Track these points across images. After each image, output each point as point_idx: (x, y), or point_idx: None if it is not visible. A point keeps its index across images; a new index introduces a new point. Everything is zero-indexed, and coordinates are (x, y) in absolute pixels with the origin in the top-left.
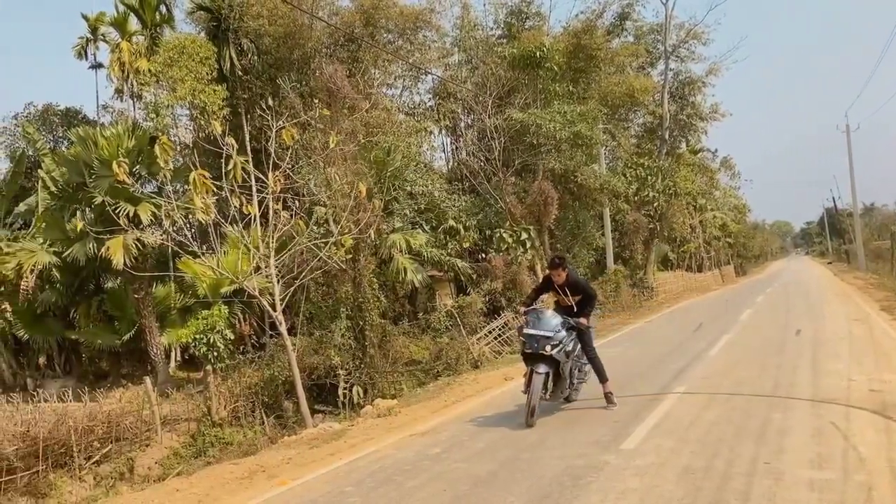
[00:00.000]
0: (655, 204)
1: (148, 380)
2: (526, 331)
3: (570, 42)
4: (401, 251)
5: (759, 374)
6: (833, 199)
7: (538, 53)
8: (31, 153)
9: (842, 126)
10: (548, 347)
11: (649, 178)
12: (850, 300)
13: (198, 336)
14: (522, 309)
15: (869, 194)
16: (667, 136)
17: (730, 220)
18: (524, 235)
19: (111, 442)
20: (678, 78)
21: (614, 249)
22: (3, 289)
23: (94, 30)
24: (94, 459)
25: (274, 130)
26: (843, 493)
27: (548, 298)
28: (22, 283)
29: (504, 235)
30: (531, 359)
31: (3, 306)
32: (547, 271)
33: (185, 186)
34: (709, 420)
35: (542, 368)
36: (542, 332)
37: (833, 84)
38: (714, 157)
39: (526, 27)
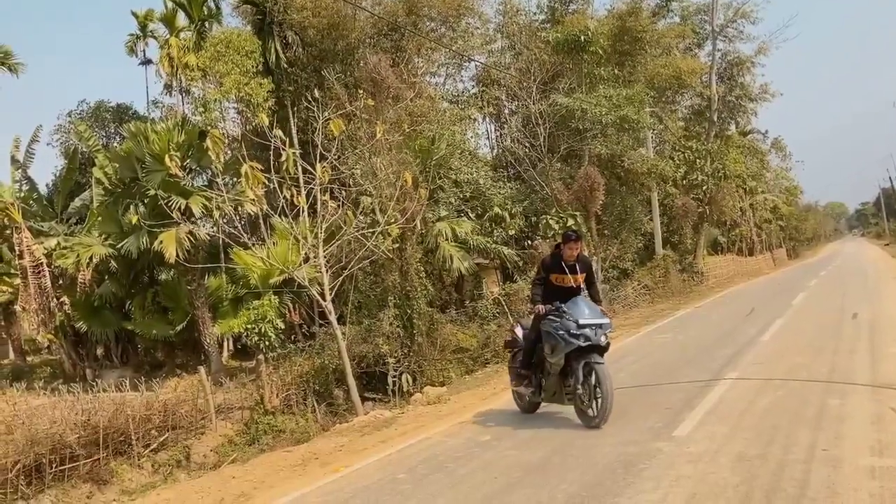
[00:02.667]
0: (704, 187)
1: (202, 369)
2: (583, 321)
3: (615, 25)
4: (447, 239)
5: (814, 359)
6: (890, 178)
7: (582, 37)
8: (84, 150)
9: None
10: (602, 338)
11: (698, 161)
12: None
13: (249, 326)
14: (542, 307)
15: None
16: (715, 118)
17: (781, 203)
18: (571, 222)
19: (168, 430)
20: (726, 58)
21: (663, 234)
22: (61, 282)
23: (143, 27)
24: (152, 447)
25: (320, 122)
26: None
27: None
28: (79, 276)
29: (550, 222)
30: (584, 352)
31: (62, 299)
32: (557, 247)
33: (235, 179)
34: (763, 406)
35: (600, 359)
36: (599, 321)
37: (889, 59)
38: (764, 138)
39: (569, 11)
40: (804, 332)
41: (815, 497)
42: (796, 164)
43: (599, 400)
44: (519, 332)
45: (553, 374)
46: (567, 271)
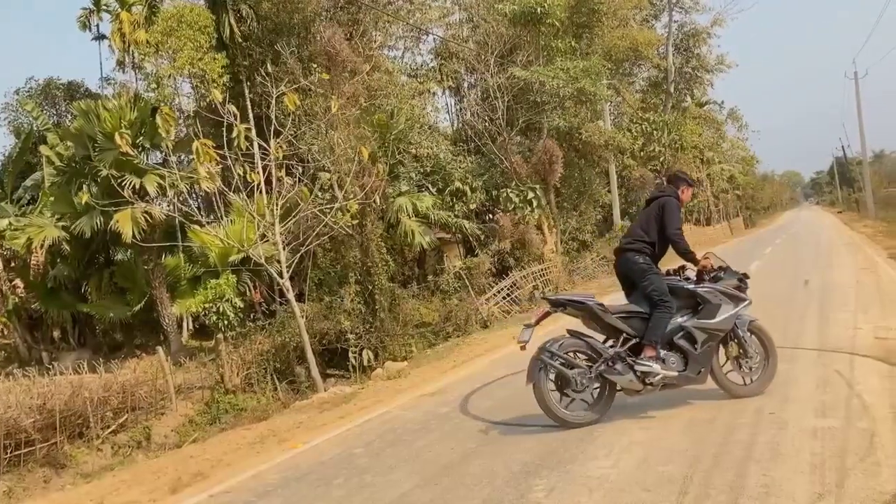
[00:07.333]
0: (662, 159)
1: (161, 350)
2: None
3: None
4: (408, 215)
5: (766, 326)
6: (843, 147)
7: (539, 9)
8: (35, 129)
9: (850, 73)
10: None
11: (655, 132)
12: (859, 249)
13: (207, 305)
14: (710, 260)
15: (879, 141)
16: (672, 90)
17: (738, 173)
18: (531, 195)
19: (127, 412)
20: (682, 30)
21: (621, 206)
22: (13, 264)
23: (96, 0)
24: (111, 429)
25: (274, 97)
26: (845, 440)
27: None
28: (32, 258)
29: (511, 195)
30: None
31: (14, 282)
32: (678, 190)
33: (190, 157)
34: None
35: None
36: None
37: (844, 30)
38: (721, 109)
39: None
40: (757, 300)
41: (760, 458)
42: (752, 135)
43: (767, 362)
44: (591, 304)
45: (708, 345)
46: None
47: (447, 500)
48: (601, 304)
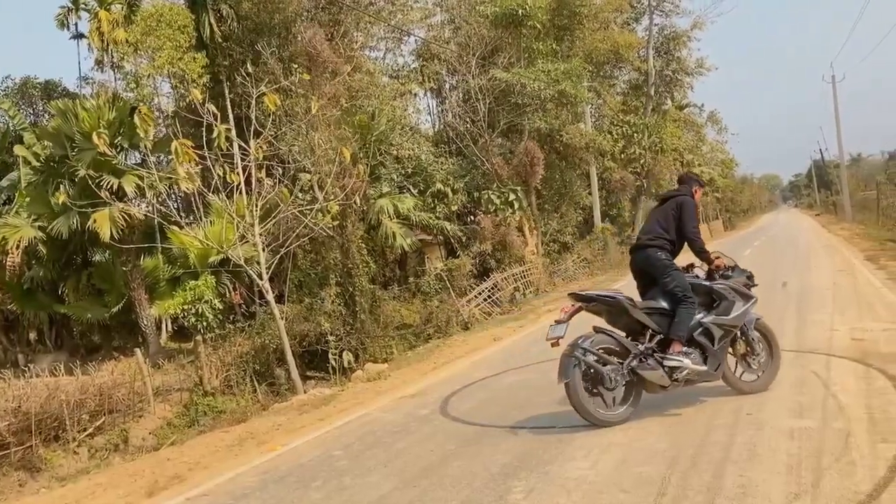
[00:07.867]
0: (642, 161)
1: (139, 351)
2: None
3: None
4: (389, 216)
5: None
6: (820, 150)
7: (520, 11)
8: (11, 128)
9: (827, 77)
10: None
11: (635, 135)
12: (837, 251)
13: (186, 306)
14: (725, 260)
15: (856, 144)
16: (652, 93)
17: (717, 175)
18: (512, 196)
19: (104, 414)
20: (663, 33)
21: (601, 208)
22: None
23: None
24: (88, 432)
25: (254, 97)
26: (821, 440)
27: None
28: (8, 258)
29: (492, 197)
30: None
31: None
32: (692, 191)
33: (169, 157)
34: None
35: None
36: None
37: (823, 32)
38: (700, 112)
39: None
40: None
41: (737, 459)
42: (731, 137)
43: (771, 359)
44: (621, 299)
45: (724, 341)
46: None
47: (426, 502)
48: (631, 300)
